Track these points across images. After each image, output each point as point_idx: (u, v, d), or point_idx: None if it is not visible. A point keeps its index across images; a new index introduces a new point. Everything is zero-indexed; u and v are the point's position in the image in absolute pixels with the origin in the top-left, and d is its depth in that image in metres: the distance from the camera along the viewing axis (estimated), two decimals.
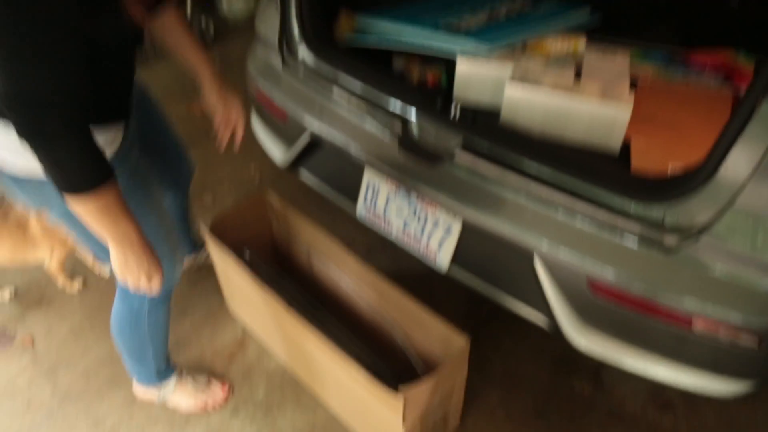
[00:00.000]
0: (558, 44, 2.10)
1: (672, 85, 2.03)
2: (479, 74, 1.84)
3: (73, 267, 2.43)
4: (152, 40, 1.60)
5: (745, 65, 2.04)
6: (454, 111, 1.67)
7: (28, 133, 1.02)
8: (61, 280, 2.33)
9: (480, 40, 1.89)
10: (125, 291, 1.64)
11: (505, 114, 1.74)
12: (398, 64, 2.06)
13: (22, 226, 2.10)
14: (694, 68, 2.10)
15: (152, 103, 1.77)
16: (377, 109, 1.76)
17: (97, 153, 1.11)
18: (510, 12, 2.18)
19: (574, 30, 2.09)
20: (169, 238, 1.55)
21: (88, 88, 1.08)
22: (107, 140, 1.28)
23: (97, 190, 1.11)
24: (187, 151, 2.02)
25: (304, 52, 1.97)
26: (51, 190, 1.14)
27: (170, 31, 1.58)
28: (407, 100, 1.71)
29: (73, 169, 1.07)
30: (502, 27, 2.05)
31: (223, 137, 1.73)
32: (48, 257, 2.20)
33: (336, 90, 1.85)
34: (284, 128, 2.09)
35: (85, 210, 1.14)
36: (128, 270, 1.28)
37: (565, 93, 1.67)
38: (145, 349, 1.78)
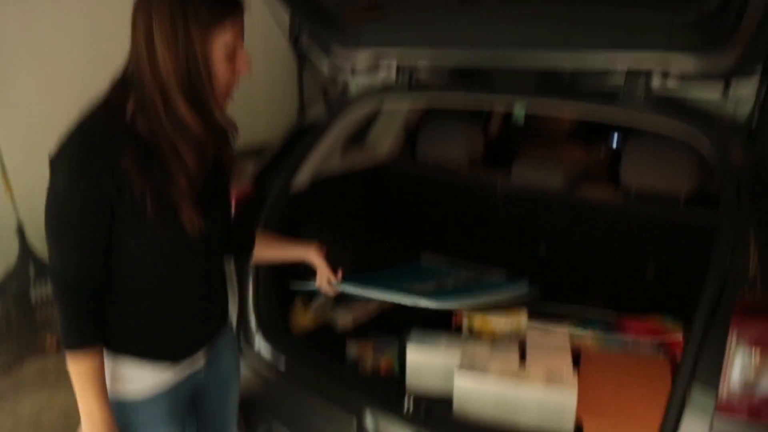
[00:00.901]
0: (502, 322, 2.23)
1: (613, 356, 2.12)
2: (429, 362, 1.91)
3: None
4: None
5: (675, 330, 2.17)
6: (407, 404, 1.70)
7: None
8: None
9: (432, 298, 2.00)
10: None
11: (458, 404, 1.77)
12: (352, 350, 2.13)
13: None
14: (630, 336, 2.22)
15: (232, 389, 1.70)
16: (332, 404, 1.78)
17: (81, 325, 1.27)
18: (456, 283, 2.33)
19: (514, 300, 2.24)
20: None
21: (93, 278, 1.27)
22: (141, 373, 1.37)
23: (76, 352, 1.27)
24: None
25: (260, 342, 2.03)
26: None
27: (263, 248, 1.75)
28: (361, 393, 1.75)
29: (63, 326, 1.28)
30: (450, 293, 2.19)
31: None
32: None
33: (290, 385, 1.88)
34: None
35: (69, 366, 1.28)
36: None
37: (511, 381, 1.73)
38: None
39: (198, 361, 1.47)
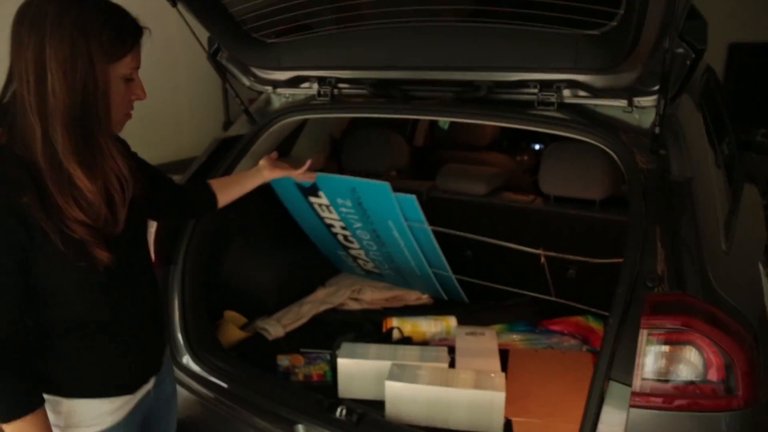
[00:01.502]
0: (432, 326, 2.27)
1: (540, 352, 2.20)
2: (360, 369, 1.92)
3: None
4: None
5: (597, 327, 2.27)
6: (340, 411, 1.71)
7: None
8: None
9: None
10: None
11: (390, 408, 1.80)
12: (283, 362, 2.12)
13: None
14: (555, 333, 2.31)
15: (174, 407, 1.62)
16: (264, 416, 1.77)
17: (16, 390, 1.14)
18: None
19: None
20: None
21: (17, 335, 1.15)
22: (100, 409, 1.28)
23: (19, 421, 1.14)
24: None
25: (189, 359, 2.00)
26: None
27: (224, 193, 1.79)
28: (292, 404, 1.75)
29: None
30: None
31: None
32: None
33: (220, 400, 1.86)
34: None
35: None
36: None
37: (441, 386, 1.77)
38: None
39: (150, 383, 1.42)
